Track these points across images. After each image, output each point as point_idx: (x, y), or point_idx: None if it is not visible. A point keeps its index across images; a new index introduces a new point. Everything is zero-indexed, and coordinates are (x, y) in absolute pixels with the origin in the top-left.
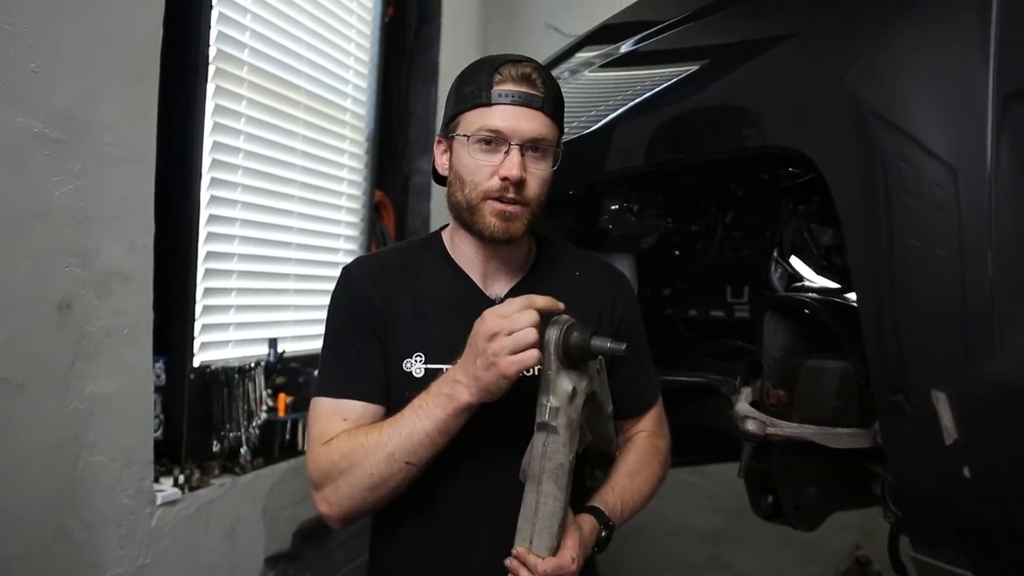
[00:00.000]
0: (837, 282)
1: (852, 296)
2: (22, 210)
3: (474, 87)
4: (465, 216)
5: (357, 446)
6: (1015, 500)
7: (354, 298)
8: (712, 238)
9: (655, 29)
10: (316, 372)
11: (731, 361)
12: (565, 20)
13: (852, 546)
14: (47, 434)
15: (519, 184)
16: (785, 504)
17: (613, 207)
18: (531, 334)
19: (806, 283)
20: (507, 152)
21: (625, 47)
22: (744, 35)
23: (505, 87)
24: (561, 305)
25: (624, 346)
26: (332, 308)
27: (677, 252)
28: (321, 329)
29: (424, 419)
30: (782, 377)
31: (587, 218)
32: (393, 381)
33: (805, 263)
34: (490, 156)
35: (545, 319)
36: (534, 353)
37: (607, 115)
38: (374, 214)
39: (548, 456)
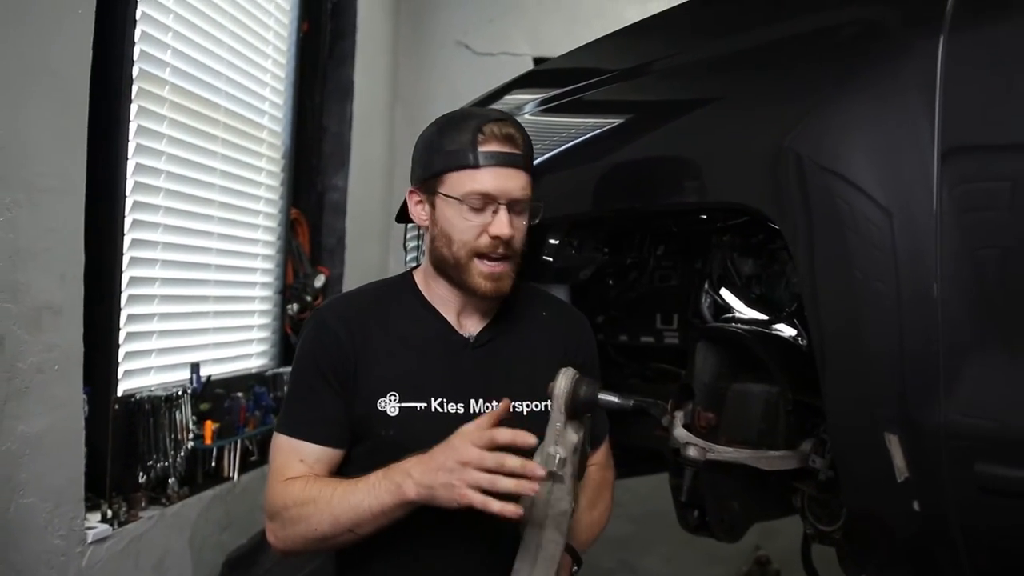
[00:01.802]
0: (765, 313)
1: (778, 327)
2: None
3: (457, 146)
4: (451, 272)
5: (309, 499)
6: (957, 531)
7: (323, 343)
8: (644, 269)
9: (594, 81)
10: (282, 404)
11: (656, 384)
12: (475, 39)
13: (753, 547)
14: None
15: (507, 241)
16: (711, 519)
17: (554, 242)
18: (505, 484)
19: (736, 314)
20: (495, 212)
21: (570, 95)
22: (694, 95)
23: (490, 148)
24: (532, 439)
25: (632, 402)
26: (300, 350)
27: (611, 282)
28: (241, 351)
29: (372, 498)
30: (711, 400)
31: (528, 251)
32: (368, 420)
33: (735, 295)
34: (478, 215)
35: (552, 369)
36: (477, 499)
37: (563, 161)
38: (290, 232)
39: (552, 503)
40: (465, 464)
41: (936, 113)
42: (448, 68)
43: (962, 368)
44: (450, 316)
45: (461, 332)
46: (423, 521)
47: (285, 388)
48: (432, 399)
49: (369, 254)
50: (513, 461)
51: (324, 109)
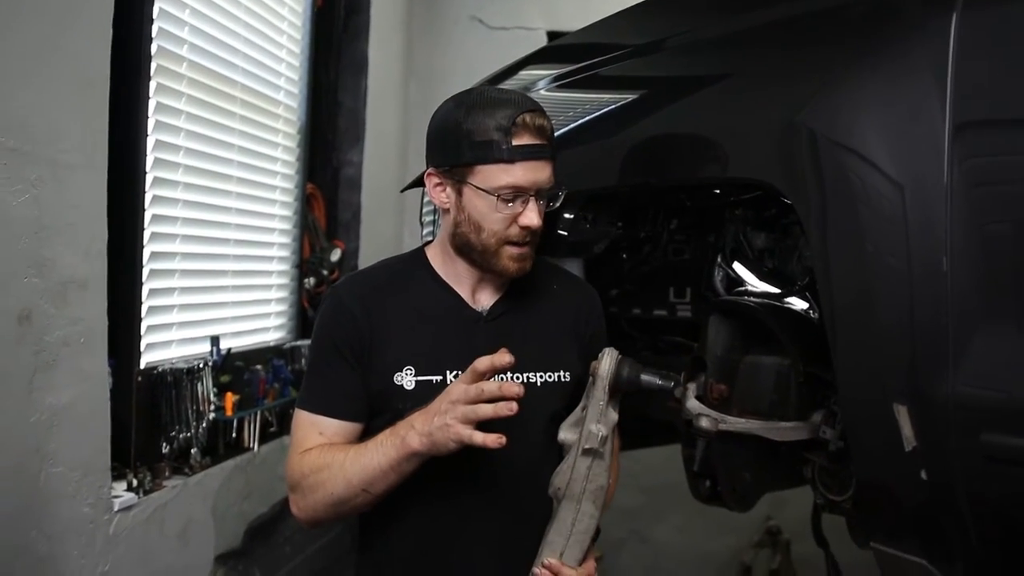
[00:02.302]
0: (777, 286)
1: (790, 300)
2: None
3: (490, 138)
4: (476, 256)
5: (324, 465)
6: (963, 499)
7: (338, 319)
8: (658, 242)
9: (609, 57)
10: (303, 381)
11: (669, 356)
12: (489, 13)
13: (763, 517)
14: (9, 449)
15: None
16: (723, 489)
17: (568, 216)
18: (484, 410)
19: (748, 287)
20: (525, 202)
21: (584, 71)
22: (708, 71)
23: (523, 141)
24: (508, 358)
25: (672, 384)
26: (317, 327)
27: (624, 255)
28: (260, 324)
29: (380, 455)
30: (723, 372)
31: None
32: (385, 394)
33: (747, 268)
34: (508, 206)
35: (593, 351)
36: (478, 437)
37: (569, 137)
38: (306, 207)
39: (591, 479)
40: (454, 402)
41: (948, 89)
42: (463, 43)
43: (971, 340)
44: (463, 291)
45: (474, 306)
46: (444, 491)
47: (304, 363)
48: (447, 372)
49: (384, 228)
50: (491, 385)
51: (339, 84)
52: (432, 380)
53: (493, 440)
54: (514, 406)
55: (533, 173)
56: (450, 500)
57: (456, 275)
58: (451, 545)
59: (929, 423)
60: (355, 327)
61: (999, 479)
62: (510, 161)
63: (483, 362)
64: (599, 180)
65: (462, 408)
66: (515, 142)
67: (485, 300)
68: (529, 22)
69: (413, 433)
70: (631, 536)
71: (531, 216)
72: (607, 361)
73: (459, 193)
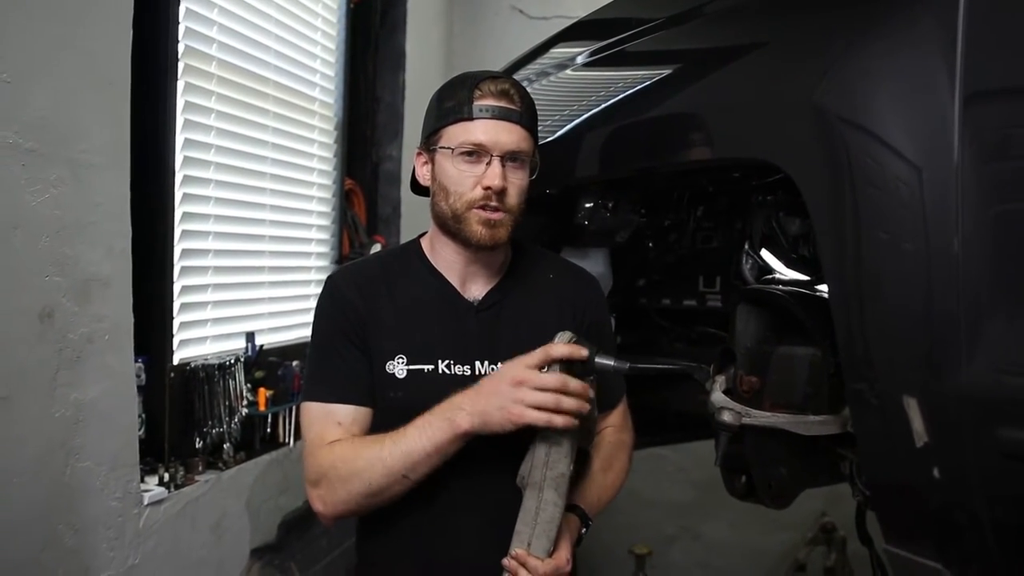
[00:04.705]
0: (806, 274)
1: (821, 288)
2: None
3: (455, 102)
4: (451, 225)
5: (358, 456)
6: (980, 499)
7: (339, 305)
8: (684, 230)
9: (627, 35)
10: (305, 376)
11: (703, 347)
12: (529, 3)
13: (818, 513)
14: (34, 443)
15: (501, 193)
16: (758, 484)
17: (588, 205)
18: (553, 400)
19: (777, 275)
20: (489, 163)
21: (590, 54)
22: (703, 48)
23: (485, 102)
24: (584, 352)
25: (628, 366)
26: (318, 316)
27: (650, 244)
28: (297, 320)
29: (424, 439)
30: (754, 364)
31: (563, 215)
32: (377, 383)
33: (775, 255)
34: (473, 167)
35: (560, 330)
36: (542, 417)
37: (578, 121)
38: (344, 202)
39: (550, 466)
40: (520, 383)
41: (957, 60)
42: (503, 34)
43: (984, 326)
44: (455, 280)
45: (466, 296)
46: (436, 482)
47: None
48: (439, 361)
49: (424, 223)
50: (575, 383)
51: (377, 79)
52: (424, 369)
53: (574, 423)
54: (587, 406)
55: (495, 132)
56: (442, 492)
57: (447, 262)
58: (442, 537)
59: (941, 417)
60: (355, 313)
61: (1018, 478)
62: (470, 118)
63: (559, 349)
64: (600, 168)
65: (534, 394)
66: (477, 103)
67: (477, 290)
68: (569, 11)
69: (463, 414)
70: (682, 532)
71: (492, 176)
72: (559, 344)
73: (433, 163)
